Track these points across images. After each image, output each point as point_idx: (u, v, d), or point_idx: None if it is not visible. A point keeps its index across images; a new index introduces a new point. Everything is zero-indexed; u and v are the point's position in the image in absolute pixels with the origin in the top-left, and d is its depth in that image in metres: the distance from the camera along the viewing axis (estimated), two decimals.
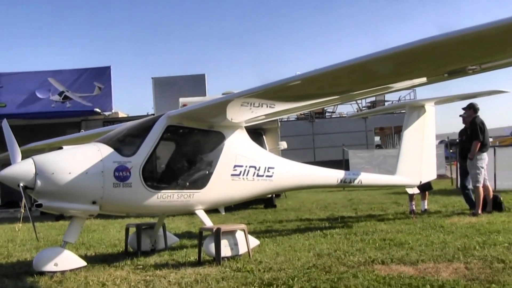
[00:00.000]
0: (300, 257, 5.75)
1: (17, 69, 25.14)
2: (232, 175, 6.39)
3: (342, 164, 19.21)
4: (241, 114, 6.33)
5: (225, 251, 5.78)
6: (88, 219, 6.87)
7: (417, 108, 9.00)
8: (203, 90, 16.93)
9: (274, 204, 13.04)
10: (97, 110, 17.18)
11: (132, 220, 8.82)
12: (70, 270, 5.49)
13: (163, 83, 17.42)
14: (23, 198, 5.35)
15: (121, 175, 5.62)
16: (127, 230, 6.99)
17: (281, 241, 7.11)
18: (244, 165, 6.49)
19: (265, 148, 11.31)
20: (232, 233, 5.95)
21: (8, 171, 5.26)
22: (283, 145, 13.84)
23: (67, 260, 5.56)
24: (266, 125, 12.12)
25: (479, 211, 8.72)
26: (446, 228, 7.39)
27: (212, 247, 5.73)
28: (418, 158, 8.77)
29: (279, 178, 6.89)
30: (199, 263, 5.78)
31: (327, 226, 8.50)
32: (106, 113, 17.59)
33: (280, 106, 6.45)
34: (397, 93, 26.92)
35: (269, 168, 6.75)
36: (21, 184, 5.20)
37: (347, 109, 30.77)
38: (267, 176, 6.73)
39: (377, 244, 6.37)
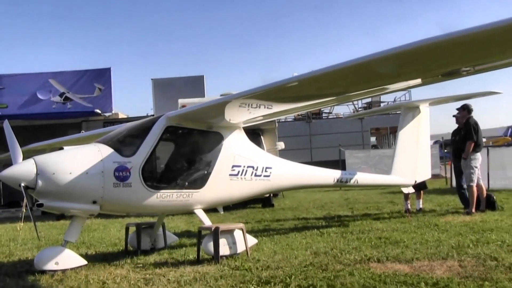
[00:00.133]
0: (297, 256, 5.80)
1: (18, 71, 25.23)
2: (231, 175, 6.43)
3: (338, 164, 19.30)
4: (239, 115, 6.36)
5: (224, 249, 5.83)
6: (89, 218, 6.89)
7: (412, 109, 9.07)
8: (202, 91, 16.98)
9: (272, 204, 13.09)
10: (98, 111, 17.21)
11: (132, 219, 8.81)
12: (71, 269, 5.53)
13: (163, 84, 17.46)
14: (25, 198, 5.35)
15: (121, 175, 5.65)
16: (127, 229, 7.02)
17: (279, 239, 7.16)
18: (242, 165, 6.53)
19: (263, 149, 11.35)
20: (230, 232, 6.00)
21: (9, 171, 5.29)
22: (281, 145, 13.90)
23: (68, 259, 5.61)
24: (264, 125, 12.14)
25: (473, 210, 8.81)
26: (441, 227, 7.46)
27: (210, 246, 5.77)
28: (413, 158, 8.84)
29: (277, 178, 6.93)
30: (198, 261, 5.82)
31: (324, 225, 8.55)
32: (106, 114, 17.62)
33: (277, 107, 6.49)
34: (392, 94, 27.06)
35: (266, 168, 6.80)
36: (23, 184, 5.23)
37: (343, 110, 30.94)
38: (264, 176, 6.77)
39: (372, 243, 6.43)
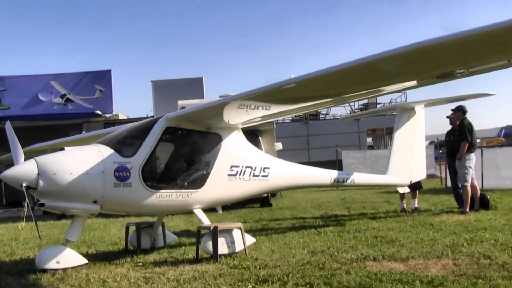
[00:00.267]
0: (294, 254, 5.84)
1: (20, 73, 25.26)
2: (229, 175, 6.48)
3: (335, 164, 19.35)
4: (238, 116, 6.42)
5: (222, 248, 5.88)
6: (89, 218, 6.91)
7: (407, 110, 9.16)
8: (201, 93, 17.08)
9: (270, 203, 13.12)
10: (98, 112, 17.35)
11: (132, 219, 8.82)
12: (72, 268, 5.57)
13: (162, 86, 17.55)
14: (26, 198, 5.39)
15: (121, 175, 5.69)
16: (127, 228, 7.07)
17: (277, 239, 7.21)
18: (240, 166, 6.58)
19: (261, 149, 11.35)
20: (229, 231, 6.04)
21: (11, 171, 5.32)
22: (279, 146, 13.98)
23: (69, 258, 5.65)
24: (262, 126, 12.22)
25: (467, 209, 8.89)
26: (435, 226, 7.51)
27: (209, 245, 5.82)
28: (408, 158, 8.91)
29: (275, 178, 6.99)
30: (197, 260, 5.86)
31: (321, 224, 8.60)
32: (107, 115, 17.77)
33: (275, 108, 6.54)
34: (388, 96, 27.13)
35: (264, 168, 6.85)
36: (24, 184, 5.26)
37: (340, 111, 31.04)
38: (262, 176, 6.82)
39: (369, 242, 6.48)
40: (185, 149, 6.59)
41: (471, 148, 9.16)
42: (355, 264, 5.17)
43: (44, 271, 5.47)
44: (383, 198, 13.03)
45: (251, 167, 6.69)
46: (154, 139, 6.02)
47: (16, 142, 5.68)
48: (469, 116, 9.37)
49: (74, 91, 17.42)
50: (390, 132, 23.47)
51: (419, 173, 9.17)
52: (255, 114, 6.50)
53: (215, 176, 6.35)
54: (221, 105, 6.01)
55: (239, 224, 6.24)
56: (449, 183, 12.62)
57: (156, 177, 6.11)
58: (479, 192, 9.36)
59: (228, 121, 6.47)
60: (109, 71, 17.93)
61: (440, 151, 19.70)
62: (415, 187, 9.55)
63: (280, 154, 11.63)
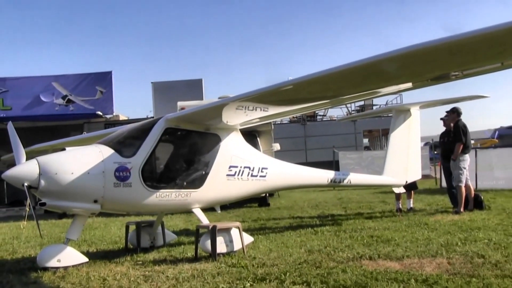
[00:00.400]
0: (292, 253, 5.90)
1: (22, 74, 25.34)
2: (228, 175, 6.54)
3: (332, 165, 19.46)
4: (236, 117, 6.48)
5: (221, 247, 5.93)
6: (90, 217, 6.95)
7: (403, 112, 9.25)
8: (200, 94, 17.15)
9: (268, 203, 13.18)
10: (99, 113, 17.43)
11: (132, 218, 8.83)
12: (73, 266, 5.63)
13: (162, 88, 17.60)
14: (28, 197, 5.45)
15: (122, 175, 5.74)
16: (127, 227, 7.10)
17: (274, 238, 7.26)
18: (239, 166, 6.64)
19: (259, 150, 11.41)
20: (227, 230, 6.10)
21: (13, 171, 5.37)
22: (276, 146, 14.08)
23: (70, 256, 5.70)
24: (260, 127, 12.28)
25: (462, 209, 8.97)
26: (430, 226, 7.57)
27: (208, 243, 5.88)
28: (404, 159, 9.00)
29: (272, 178, 7.05)
30: (195, 259, 5.91)
31: (318, 224, 8.66)
32: (108, 116, 17.84)
33: (273, 110, 6.59)
34: (384, 98, 27.24)
35: (262, 168, 6.92)
36: (26, 184, 5.31)
37: (337, 112, 31.26)
38: (260, 176, 6.89)
39: (365, 241, 6.55)
40: (184, 150, 6.65)
41: (466, 149, 9.24)
42: (351, 263, 5.23)
43: (45, 269, 5.52)
44: (379, 198, 13.09)
45: (249, 167, 6.76)
46: (154, 140, 6.07)
47: (18, 142, 5.74)
48: (464, 118, 9.49)
49: (75, 92, 17.49)
50: (386, 133, 23.56)
51: (414, 174, 9.26)
52: (254, 115, 6.56)
53: (214, 176, 6.41)
54: (220, 106, 6.08)
55: (238, 224, 6.29)
56: (443, 184, 12.72)
57: (156, 177, 6.16)
58: (473, 192, 9.44)
59: (227, 122, 6.53)
60: (109, 73, 18.00)
61: (435, 152, 19.85)
62: (410, 187, 9.62)
63: (278, 155, 11.69)
